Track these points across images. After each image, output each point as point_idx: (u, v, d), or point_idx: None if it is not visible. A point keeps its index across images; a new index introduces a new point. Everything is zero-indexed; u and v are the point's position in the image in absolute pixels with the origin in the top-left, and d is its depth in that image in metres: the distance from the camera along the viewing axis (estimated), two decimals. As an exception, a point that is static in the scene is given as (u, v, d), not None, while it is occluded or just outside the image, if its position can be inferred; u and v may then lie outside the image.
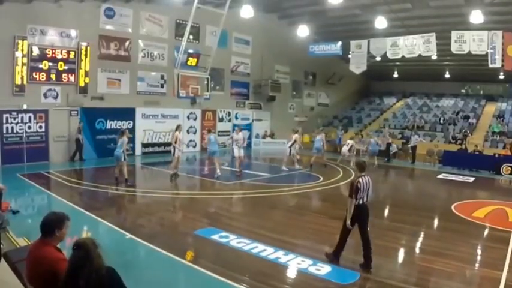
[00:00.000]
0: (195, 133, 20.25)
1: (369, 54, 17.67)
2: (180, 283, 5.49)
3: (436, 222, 8.77)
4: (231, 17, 17.05)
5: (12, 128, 13.92)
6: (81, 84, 15.50)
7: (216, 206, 9.53)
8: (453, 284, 5.26)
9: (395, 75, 29.58)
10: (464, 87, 30.50)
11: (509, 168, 15.67)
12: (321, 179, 13.36)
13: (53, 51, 14.65)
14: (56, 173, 12.64)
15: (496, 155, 16.98)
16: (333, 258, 5.74)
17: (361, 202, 5.59)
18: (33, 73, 14.23)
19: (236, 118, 22.44)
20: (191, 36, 17.89)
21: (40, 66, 14.38)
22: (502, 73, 24.66)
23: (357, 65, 18.01)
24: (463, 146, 18.83)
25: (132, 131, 16.28)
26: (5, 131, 13.75)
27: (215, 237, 6.75)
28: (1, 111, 13.59)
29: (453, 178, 14.96)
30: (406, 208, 9.84)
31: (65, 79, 15.07)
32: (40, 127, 14.62)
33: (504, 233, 7.50)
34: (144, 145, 18.05)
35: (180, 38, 16.69)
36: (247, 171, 13.98)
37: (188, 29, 15.33)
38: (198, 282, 5.24)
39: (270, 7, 20.52)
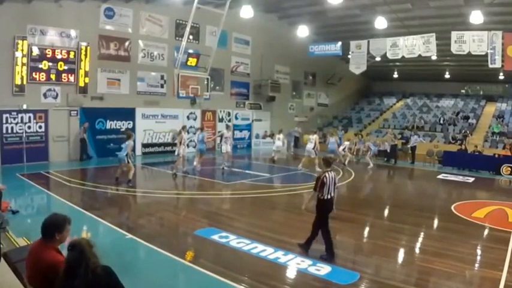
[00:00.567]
0: (195, 133, 20.22)
1: (368, 55, 17.70)
2: (180, 283, 5.48)
3: (436, 222, 8.75)
4: (231, 17, 17.04)
5: (12, 128, 13.93)
6: (81, 84, 15.51)
7: (216, 206, 9.52)
8: (453, 285, 5.25)
9: (395, 75, 29.56)
10: (464, 87, 30.49)
11: (509, 169, 15.66)
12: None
13: (53, 51, 14.65)
14: (55, 173, 12.64)
15: (496, 156, 16.98)
16: (306, 247, 6.00)
17: (329, 197, 5.92)
18: (33, 73, 14.24)
19: (236, 118, 22.43)
20: (191, 37, 17.90)
21: (40, 66, 14.38)
22: (501, 73, 24.64)
23: (357, 65, 18.04)
24: (463, 147, 18.80)
25: (132, 131, 16.21)
26: (4, 131, 13.76)
27: (215, 237, 6.75)
28: (1, 111, 13.60)
29: (453, 178, 14.94)
30: (406, 208, 9.82)
31: (64, 79, 15.08)
32: (40, 127, 14.63)
33: (504, 233, 7.50)
34: (144, 145, 18.05)
35: (180, 38, 16.71)
36: (247, 171, 13.98)
37: (188, 29, 15.35)
38: (198, 283, 5.24)
39: (270, 7, 20.51)
